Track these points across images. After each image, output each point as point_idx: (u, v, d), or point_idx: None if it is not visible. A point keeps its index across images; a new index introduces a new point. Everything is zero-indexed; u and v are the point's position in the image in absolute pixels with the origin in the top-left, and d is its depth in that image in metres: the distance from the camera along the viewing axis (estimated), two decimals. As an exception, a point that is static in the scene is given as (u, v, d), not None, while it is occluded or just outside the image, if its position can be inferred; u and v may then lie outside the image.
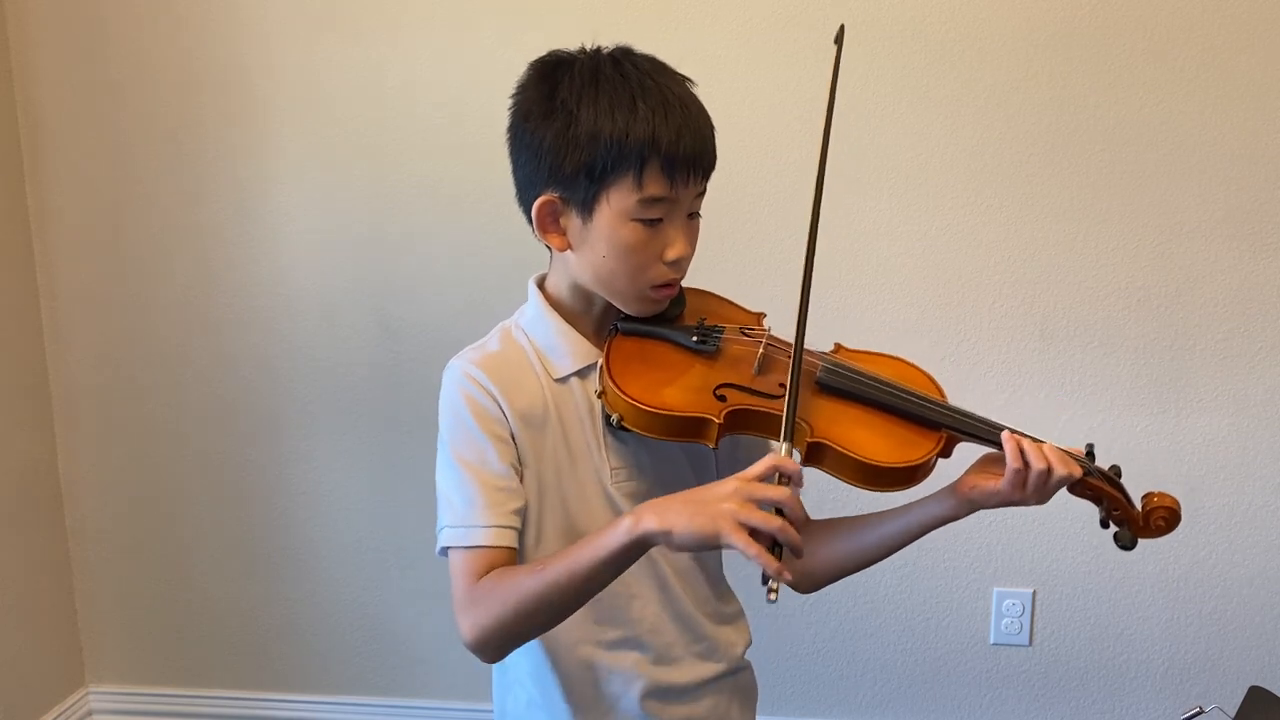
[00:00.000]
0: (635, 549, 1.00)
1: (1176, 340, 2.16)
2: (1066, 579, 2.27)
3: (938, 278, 2.18)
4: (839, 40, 1.22)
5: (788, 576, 0.92)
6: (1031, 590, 2.28)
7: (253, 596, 2.49)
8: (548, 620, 1.06)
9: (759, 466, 0.97)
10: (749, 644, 1.30)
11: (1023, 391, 2.19)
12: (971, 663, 2.33)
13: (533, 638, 1.09)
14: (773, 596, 0.93)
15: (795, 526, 0.94)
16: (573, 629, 1.17)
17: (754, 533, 0.93)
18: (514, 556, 1.10)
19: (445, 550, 1.11)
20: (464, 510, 1.10)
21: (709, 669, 1.24)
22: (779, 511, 0.95)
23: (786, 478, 0.98)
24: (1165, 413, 2.18)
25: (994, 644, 2.32)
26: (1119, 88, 2.08)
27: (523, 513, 1.13)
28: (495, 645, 1.07)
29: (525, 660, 1.21)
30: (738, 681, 1.30)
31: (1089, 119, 2.09)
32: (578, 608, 1.06)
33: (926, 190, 2.15)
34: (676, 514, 0.96)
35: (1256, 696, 1.18)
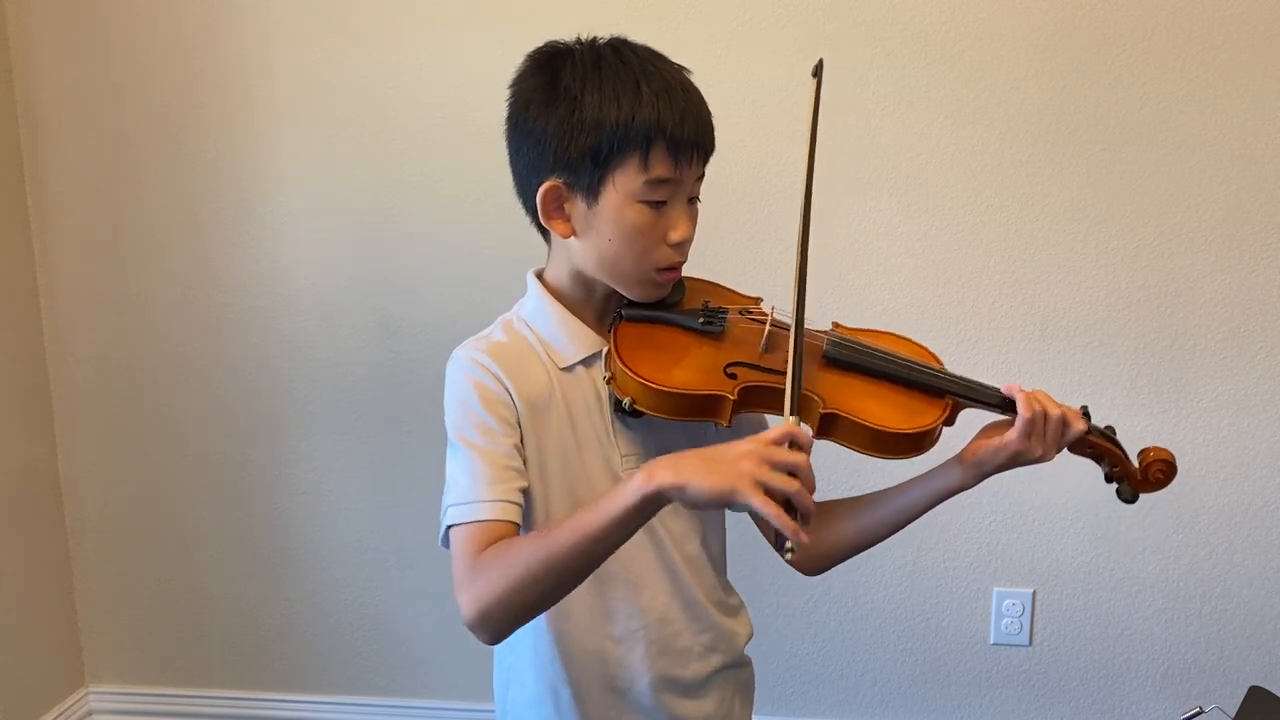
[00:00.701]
0: (648, 506, 0.97)
1: (1176, 340, 2.16)
2: (1066, 579, 2.27)
3: (938, 278, 2.18)
4: (817, 73, 1.22)
5: (804, 537, 0.91)
6: (1031, 590, 2.28)
7: (253, 596, 2.49)
8: (552, 590, 1.03)
9: (773, 432, 0.97)
10: (750, 636, 1.31)
11: (1023, 391, 2.19)
12: (971, 663, 2.33)
13: (536, 614, 1.06)
14: (789, 556, 0.93)
15: (809, 491, 0.94)
16: (581, 622, 1.18)
17: (769, 494, 0.93)
18: (517, 533, 1.09)
19: (447, 536, 1.09)
20: (468, 488, 1.09)
21: (714, 660, 1.25)
22: (793, 477, 0.95)
23: (799, 446, 0.97)
24: (1165, 413, 2.18)
25: (994, 644, 2.32)
26: (1119, 88, 2.08)
27: (526, 493, 1.13)
28: (496, 621, 1.04)
29: (529, 655, 1.21)
30: (739, 676, 1.31)
31: (1089, 119, 2.09)
32: (583, 577, 1.03)
33: (926, 190, 2.15)
34: (692, 470, 0.95)
35: (1256, 696, 1.18)
